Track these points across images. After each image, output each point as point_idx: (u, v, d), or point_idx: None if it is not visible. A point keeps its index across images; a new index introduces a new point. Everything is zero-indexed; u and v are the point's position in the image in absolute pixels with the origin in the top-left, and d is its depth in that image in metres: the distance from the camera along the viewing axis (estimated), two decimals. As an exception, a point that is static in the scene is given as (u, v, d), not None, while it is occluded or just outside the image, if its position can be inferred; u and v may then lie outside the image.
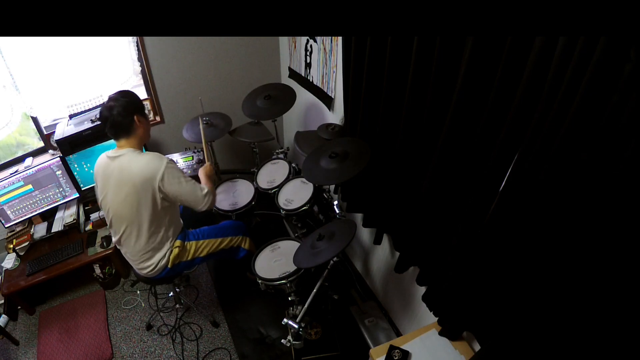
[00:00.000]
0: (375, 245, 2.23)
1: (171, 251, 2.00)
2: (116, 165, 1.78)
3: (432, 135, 1.44)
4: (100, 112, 1.75)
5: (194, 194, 1.87)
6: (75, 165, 2.55)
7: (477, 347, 1.66)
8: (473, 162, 1.31)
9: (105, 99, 2.54)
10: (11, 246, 2.56)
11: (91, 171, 2.61)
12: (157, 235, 1.92)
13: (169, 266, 2.01)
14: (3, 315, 2.61)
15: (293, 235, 2.34)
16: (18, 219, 2.52)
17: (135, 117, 1.75)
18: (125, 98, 1.75)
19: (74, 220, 2.64)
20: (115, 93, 1.78)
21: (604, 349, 1.03)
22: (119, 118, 1.72)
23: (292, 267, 1.89)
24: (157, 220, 1.87)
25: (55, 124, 2.57)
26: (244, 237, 2.25)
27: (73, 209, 2.71)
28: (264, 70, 3.03)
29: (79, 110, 2.53)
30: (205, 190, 1.91)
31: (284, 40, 2.87)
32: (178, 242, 2.01)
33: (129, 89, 1.86)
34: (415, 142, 1.56)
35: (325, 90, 2.42)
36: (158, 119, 2.85)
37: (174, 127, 2.89)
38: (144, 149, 1.96)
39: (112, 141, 2.52)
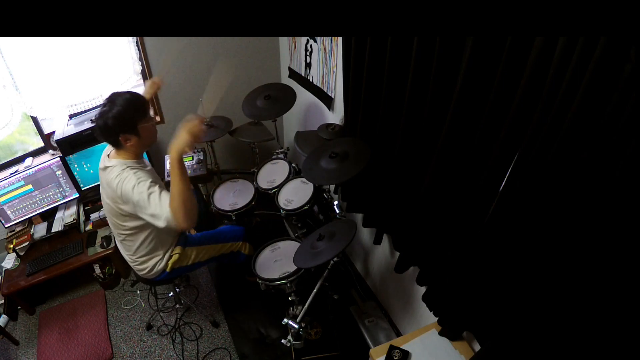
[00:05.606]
0: (375, 245, 2.23)
1: (170, 256, 1.99)
2: (105, 175, 1.72)
3: (432, 135, 1.44)
4: (96, 116, 1.63)
5: (159, 216, 1.52)
6: (75, 165, 2.55)
7: (477, 347, 1.66)
8: (473, 162, 1.31)
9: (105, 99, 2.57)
10: (11, 246, 2.56)
11: (91, 171, 2.61)
12: (149, 242, 1.89)
13: (168, 270, 2.01)
14: (3, 315, 2.61)
15: (293, 235, 2.34)
16: (18, 219, 2.52)
17: (120, 137, 1.61)
18: (111, 115, 1.56)
19: (74, 220, 2.65)
20: (108, 101, 1.60)
21: (604, 349, 1.03)
22: (102, 135, 1.62)
23: (292, 267, 1.89)
24: (146, 230, 1.84)
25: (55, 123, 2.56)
26: (244, 242, 2.25)
27: (73, 209, 2.71)
28: (264, 70, 3.03)
29: (79, 110, 2.53)
30: (164, 207, 1.51)
31: (284, 40, 2.87)
32: (178, 249, 2.00)
33: (124, 97, 1.61)
34: (415, 142, 1.56)
35: (325, 90, 2.42)
36: (158, 118, 2.85)
37: (174, 127, 2.86)
38: (145, 155, 1.84)
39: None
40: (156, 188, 1.59)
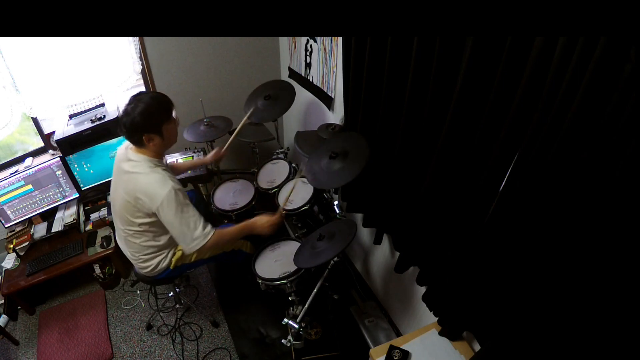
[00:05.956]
0: (375, 245, 2.23)
1: (174, 253, 1.99)
2: (128, 170, 1.72)
3: (432, 135, 1.44)
4: (120, 114, 1.66)
5: (182, 233, 1.72)
6: (75, 165, 2.55)
7: (477, 347, 1.66)
8: (473, 162, 1.31)
9: (105, 99, 2.57)
10: (11, 246, 2.56)
11: (91, 171, 2.61)
12: (156, 240, 1.90)
13: (171, 267, 2.01)
14: (3, 315, 2.61)
15: (293, 235, 2.34)
16: (18, 219, 2.52)
17: (144, 136, 1.64)
18: (138, 113, 1.59)
19: (74, 220, 2.64)
20: (135, 99, 1.63)
21: (604, 349, 1.03)
22: (127, 133, 1.65)
23: (293, 267, 1.89)
24: (155, 229, 1.85)
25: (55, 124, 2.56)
26: (245, 241, 2.25)
27: (73, 209, 2.71)
28: (264, 71, 3.02)
29: (79, 110, 2.53)
30: (199, 232, 1.72)
31: (284, 40, 2.87)
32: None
33: (151, 96, 1.68)
34: (415, 142, 1.56)
35: (325, 90, 2.42)
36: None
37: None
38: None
39: (112, 141, 2.54)
40: (195, 211, 1.74)
